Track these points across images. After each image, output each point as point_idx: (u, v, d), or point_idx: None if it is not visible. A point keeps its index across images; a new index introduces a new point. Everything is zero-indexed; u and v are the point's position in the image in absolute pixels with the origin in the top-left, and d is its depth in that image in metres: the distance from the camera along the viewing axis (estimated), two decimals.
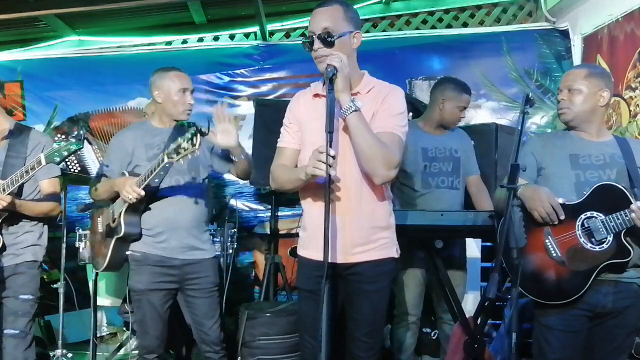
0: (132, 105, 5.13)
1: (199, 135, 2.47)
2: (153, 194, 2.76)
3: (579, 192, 2.32)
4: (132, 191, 2.63)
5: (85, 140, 2.58)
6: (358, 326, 2.18)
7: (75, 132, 2.58)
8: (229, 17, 5.23)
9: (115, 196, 2.79)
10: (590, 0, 4.51)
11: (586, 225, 2.28)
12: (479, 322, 3.12)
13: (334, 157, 1.93)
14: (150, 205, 2.78)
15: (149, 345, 2.79)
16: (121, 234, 2.74)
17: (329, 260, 1.94)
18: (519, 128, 2.20)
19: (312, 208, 2.20)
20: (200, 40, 5.33)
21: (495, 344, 3.43)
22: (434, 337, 3.71)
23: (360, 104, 2.05)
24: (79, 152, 5.05)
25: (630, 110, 4.09)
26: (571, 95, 2.39)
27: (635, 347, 3.04)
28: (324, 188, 1.95)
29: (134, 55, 5.21)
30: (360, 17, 2.30)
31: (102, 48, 5.26)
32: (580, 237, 2.28)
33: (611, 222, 2.23)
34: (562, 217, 2.29)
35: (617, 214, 2.22)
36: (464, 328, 3.10)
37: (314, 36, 2.11)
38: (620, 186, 2.27)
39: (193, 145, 2.47)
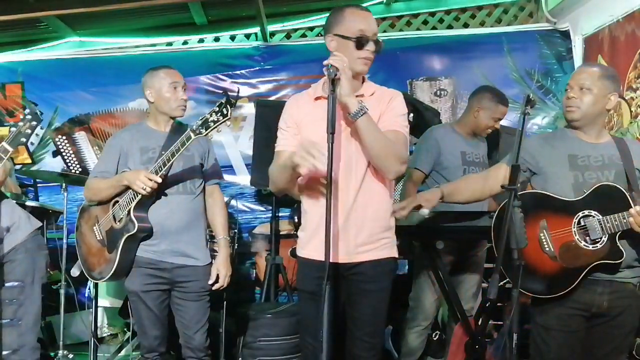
0: (133, 106, 5.13)
1: (228, 105, 2.32)
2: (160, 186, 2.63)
3: (577, 193, 2.31)
4: (148, 180, 2.52)
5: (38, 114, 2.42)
6: (359, 326, 2.18)
7: (28, 110, 2.43)
8: (229, 18, 5.22)
9: (118, 194, 2.71)
10: (591, 1, 4.50)
11: (582, 224, 2.27)
12: (480, 322, 3.12)
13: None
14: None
15: (149, 345, 2.78)
16: (134, 231, 2.60)
17: (331, 261, 1.93)
18: (520, 129, 2.19)
19: (314, 209, 2.19)
20: (201, 41, 5.32)
21: (496, 345, 3.43)
22: (435, 338, 3.71)
23: (367, 106, 2.06)
24: (80, 153, 5.15)
25: (631, 111, 4.08)
26: (582, 94, 2.34)
27: (637, 349, 3.04)
28: (326, 189, 1.94)
29: (135, 56, 5.20)
30: None
31: (102, 49, 5.25)
32: (576, 235, 2.27)
33: (608, 222, 2.22)
34: None
35: (615, 215, 2.21)
36: (465, 329, 3.10)
37: (370, 38, 2.12)
38: (621, 188, 2.26)
39: (224, 116, 2.32)
